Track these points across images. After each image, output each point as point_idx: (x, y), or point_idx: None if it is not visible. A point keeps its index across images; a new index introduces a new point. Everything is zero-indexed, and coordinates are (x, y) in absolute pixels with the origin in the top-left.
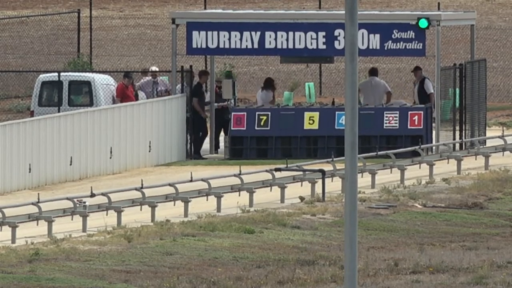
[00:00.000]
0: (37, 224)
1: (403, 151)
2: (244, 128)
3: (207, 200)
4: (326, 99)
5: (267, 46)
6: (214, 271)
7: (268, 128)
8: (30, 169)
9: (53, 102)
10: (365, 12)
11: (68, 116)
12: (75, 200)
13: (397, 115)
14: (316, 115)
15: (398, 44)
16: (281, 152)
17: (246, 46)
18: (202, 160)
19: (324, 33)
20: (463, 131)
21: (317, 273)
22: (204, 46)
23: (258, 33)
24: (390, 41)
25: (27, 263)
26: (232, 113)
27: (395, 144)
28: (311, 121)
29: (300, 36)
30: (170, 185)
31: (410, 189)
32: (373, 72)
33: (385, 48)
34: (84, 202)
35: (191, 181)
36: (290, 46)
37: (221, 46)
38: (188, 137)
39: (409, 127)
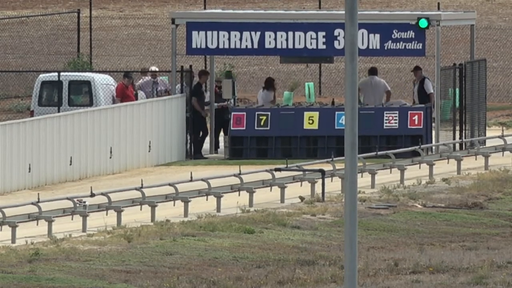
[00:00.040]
0: (37, 224)
1: (403, 151)
2: (244, 128)
3: (207, 200)
4: (326, 99)
5: (267, 46)
6: (214, 271)
7: (268, 128)
8: (30, 169)
9: (53, 102)
10: (365, 12)
11: (68, 116)
12: (75, 200)
13: (397, 115)
14: (316, 115)
15: (398, 44)
16: (281, 152)
17: (246, 46)
18: (202, 160)
19: (324, 33)
20: (463, 131)
21: (317, 273)
22: (204, 46)
23: (258, 33)
24: (390, 41)
25: (27, 263)
26: (232, 113)
27: (395, 144)
28: (310, 121)
29: (300, 36)
30: (170, 185)
31: (410, 189)
32: (373, 71)
33: (385, 48)
34: (84, 202)
35: (191, 181)
36: (290, 46)
37: (221, 46)
38: (188, 137)
39: (409, 127)
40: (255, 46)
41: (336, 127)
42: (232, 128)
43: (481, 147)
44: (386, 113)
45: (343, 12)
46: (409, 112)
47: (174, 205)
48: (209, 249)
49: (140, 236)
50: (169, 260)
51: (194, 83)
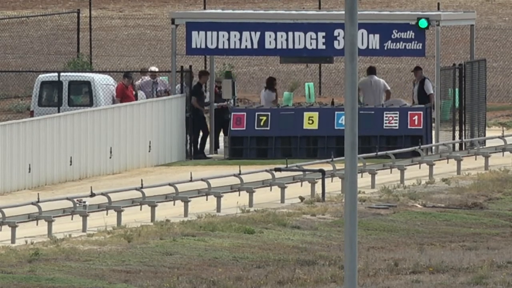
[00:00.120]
0: (37, 224)
1: (403, 151)
2: (244, 128)
3: (207, 200)
4: (326, 99)
5: (266, 46)
6: (214, 271)
7: (268, 128)
8: (30, 169)
9: (53, 102)
10: (365, 12)
11: (68, 116)
12: (75, 200)
13: (397, 115)
14: (315, 115)
15: (397, 44)
16: (281, 152)
17: (246, 46)
18: (202, 160)
19: (323, 33)
20: (463, 131)
21: (317, 273)
22: (203, 46)
23: (258, 33)
24: (389, 41)
25: (27, 263)
26: (232, 113)
27: (395, 144)
28: (310, 121)
29: (299, 36)
30: (170, 185)
31: (410, 189)
32: (372, 70)
33: (385, 48)
34: (84, 202)
35: (191, 181)
36: (290, 46)
37: (221, 46)
38: (188, 137)
39: (409, 127)
40: (255, 46)
41: (336, 127)
42: (232, 128)
43: (481, 147)
44: (386, 113)
45: (343, 12)
46: (409, 112)
47: (174, 205)
48: (209, 249)
49: (140, 236)
50: (169, 260)
51: (194, 83)
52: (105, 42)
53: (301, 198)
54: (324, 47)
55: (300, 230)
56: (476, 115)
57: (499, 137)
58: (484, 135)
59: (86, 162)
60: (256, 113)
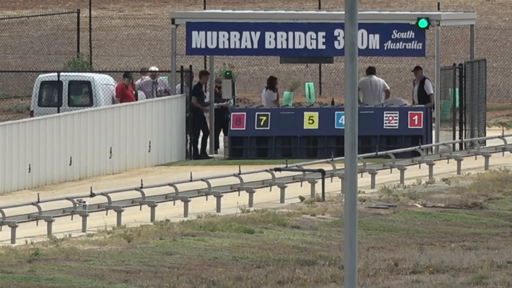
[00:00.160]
0: (37, 224)
1: (403, 151)
2: (244, 128)
3: (206, 200)
4: (326, 99)
5: (266, 46)
6: (214, 271)
7: (268, 128)
8: (30, 169)
9: (52, 102)
10: (364, 12)
11: (68, 116)
12: (75, 200)
13: (397, 115)
14: (315, 115)
15: (397, 44)
16: (281, 152)
17: (246, 46)
18: (202, 160)
19: (323, 33)
20: (463, 131)
21: (317, 273)
22: (203, 46)
23: (258, 33)
24: (389, 41)
25: (26, 263)
26: (232, 113)
27: (395, 144)
28: (310, 121)
29: (299, 36)
30: (170, 185)
31: (410, 189)
32: (371, 70)
33: (385, 48)
34: (84, 202)
35: (190, 181)
36: (290, 46)
37: (221, 46)
38: (188, 137)
39: (409, 127)
40: (255, 46)
41: (336, 127)
42: (232, 128)
43: (481, 147)
44: (386, 113)
45: (343, 12)
46: (409, 112)
47: (174, 205)
48: (209, 249)
49: (140, 236)
50: (169, 260)
51: (194, 83)
52: (105, 42)
53: (301, 198)
54: (324, 47)
55: (300, 230)
56: (476, 115)
57: (499, 137)
58: (484, 135)
59: (86, 162)
60: (256, 113)
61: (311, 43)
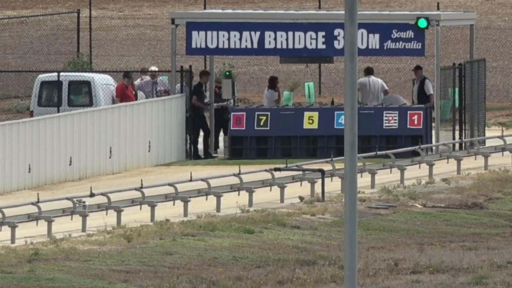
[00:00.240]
0: (37, 224)
1: (402, 151)
2: (244, 128)
3: (206, 199)
4: (326, 99)
5: (266, 46)
6: (214, 271)
7: (268, 128)
8: (29, 169)
9: (52, 102)
10: (364, 12)
11: (68, 116)
12: (75, 200)
13: (397, 115)
14: (315, 115)
15: (397, 44)
16: (281, 152)
17: (246, 46)
18: (202, 160)
19: (323, 33)
20: (463, 131)
21: (317, 273)
22: (203, 46)
23: (258, 33)
24: (389, 41)
25: (26, 263)
26: (232, 113)
27: (395, 144)
28: (310, 121)
29: (299, 36)
30: (169, 185)
31: (410, 189)
32: (369, 71)
33: (385, 48)
34: (84, 202)
35: (190, 180)
36: (290, 46)
37: (221, 46)
38: (188, 137)
39: (408, 127)
40: (255, 46)
41: (335, 127)
42: (232, 128)
43: (481, 147)
44: (385, 113)
45: (343, 12)
46: (408, 112)
47: (173, 205)
48: (209, 249)
49: (140, 236)
50: (169, 260)
51: (194, 83)
52: (105, 42)
53: (301, 198)
54: (324, 47)
55: (300, 230)
56: (476, 115)
57: (498, 137)
58: (484, 135)
59: (86, 162)
60: (256, 113)
61: (311, 43)
